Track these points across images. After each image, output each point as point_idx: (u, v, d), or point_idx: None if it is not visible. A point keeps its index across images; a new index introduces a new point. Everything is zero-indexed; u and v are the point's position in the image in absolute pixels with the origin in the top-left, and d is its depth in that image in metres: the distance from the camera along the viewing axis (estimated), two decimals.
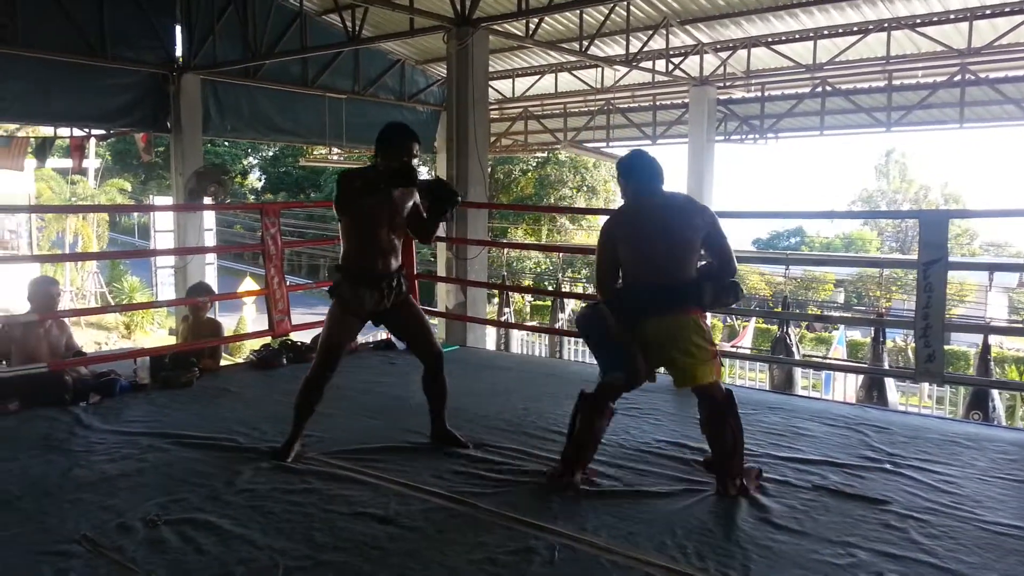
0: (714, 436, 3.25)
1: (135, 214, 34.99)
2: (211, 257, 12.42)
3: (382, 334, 8.19)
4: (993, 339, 10.51)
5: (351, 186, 3.44)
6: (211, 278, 10.71)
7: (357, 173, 3.52)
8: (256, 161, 36.31)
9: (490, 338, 9.82)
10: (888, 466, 3.64)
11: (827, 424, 4.31)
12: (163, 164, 23.44)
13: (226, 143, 28.64)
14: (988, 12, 8.95)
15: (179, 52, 10.58)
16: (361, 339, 6.93)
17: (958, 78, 10.51)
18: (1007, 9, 8.81)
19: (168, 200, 14.92)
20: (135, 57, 10.08)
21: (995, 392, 7.98)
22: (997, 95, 10.52)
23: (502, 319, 12.12)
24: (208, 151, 19.17)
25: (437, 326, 12.44)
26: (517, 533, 2.87)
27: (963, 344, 17.11)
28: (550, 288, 17.90)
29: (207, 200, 10.50)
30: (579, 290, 24.76)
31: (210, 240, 12.68)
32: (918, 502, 3.19)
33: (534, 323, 17.16)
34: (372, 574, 2.56)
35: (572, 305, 15.37)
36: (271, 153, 35.10)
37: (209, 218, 12.62)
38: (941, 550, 2.75)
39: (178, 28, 10.50)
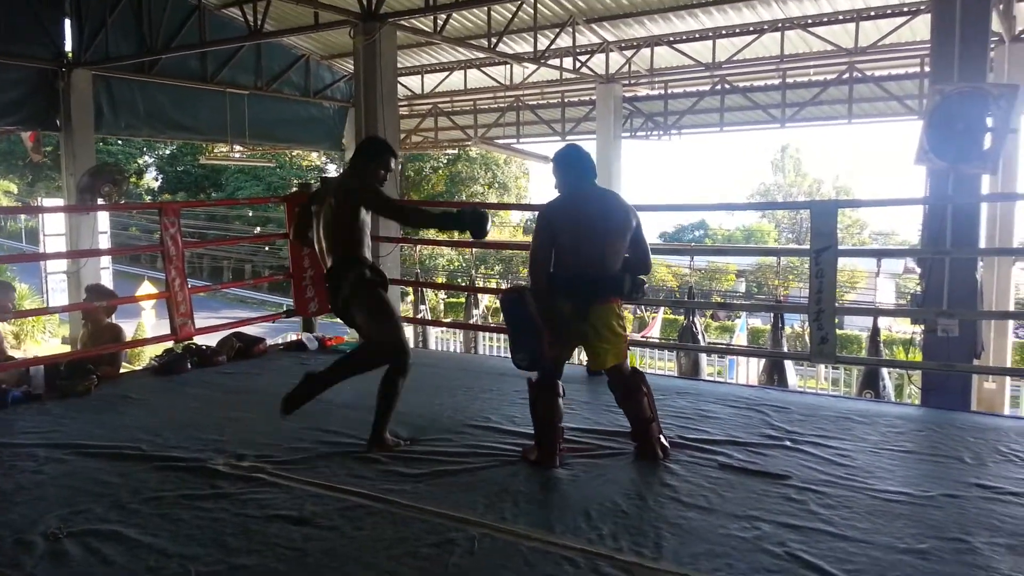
0: (632, 408, 3.57)
1: (22, 217, 33.06)
2: (106, 261, 11.85)
3: (292, 335, 8.03)
4: (882, 322, 11.15)
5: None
6: (107, 283, 10.23)
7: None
8: (152, 160, 34.90)
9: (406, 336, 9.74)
10: (787, 443, 3.83)
11: (731, 406, 4.50)
12: (52, 164, 22.23)
13: (119, 141, 27.40)
14: (872, 14, 9.48)
15: (69, 47, 10.06)
16: (270, 341, 6.79)
17: (846, 76, 11.09)
18: (889, 11, 9.35)
19: (59, 202, 14.18)
20: (22, 52, 9.53)
21: (885, 372, 8.47)
22: (882, 92, 11.15)
23: (417, 317, 12.05)
24: (100, 150, 18.27)
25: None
26: (436, 526, 2.88)
27: (855, 328, 18.09)
28: (463, 284, 17.91)
29: (101, 201, 10.02)
30: (492, 286, 24.91)
31: (104, 243, 12.10)
32: (816, 475, 3.37)
33: (449, 320, 17.13)
34: (288, 575, 2.53)
35: (486, 301, 15.44)
36: (168, 151, 33.79)
37: (103, 220, 12.04)
38: (838, 519, 2.92)
39: (67, 22, 9.98)
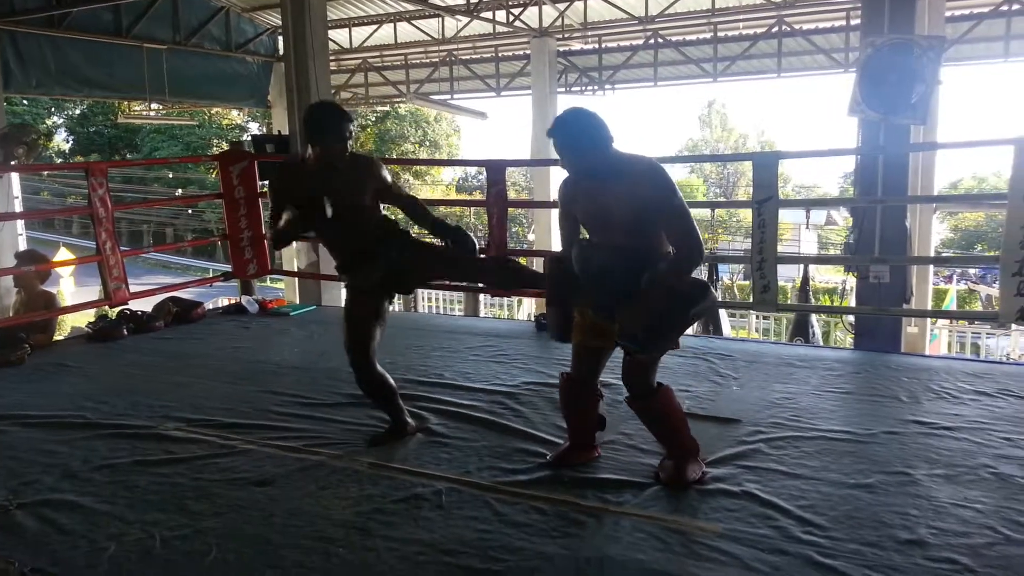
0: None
1: None
2: (21, 226, 11.26)
3: (232, 299, 7.84)
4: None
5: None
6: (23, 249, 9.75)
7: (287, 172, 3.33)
8: (62, 120, 33.13)
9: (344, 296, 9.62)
10: (735, 388, 3.97)
11: (677, 356, 4.59)
12: None
13: (25, 101, 25.86)
14: None
15: None
16: (209, 305, 6.61)
17: (775, 30, 11.25)
18: None
19: None
20: None
21: (814, 319, 8.82)
22: (810, 45, 11.36)
23: None
24: (5, 111, 17.23)
25: (284, 287, 12.04)
26: (401, 482, 2.89)
27: (781, 279, 18.73)
28: None
29: (13, 164, 9.47)
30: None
31: (18, 208, 11.48)
32: (763, 418, 3.50)
33: None
34: (258, 536, 2.50)
35: None
36: (79, 111, 32.13)
37: (16, 184, 11.41)
38: (788, 458, 3.05)
39: None
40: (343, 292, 8.44)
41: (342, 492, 2.83)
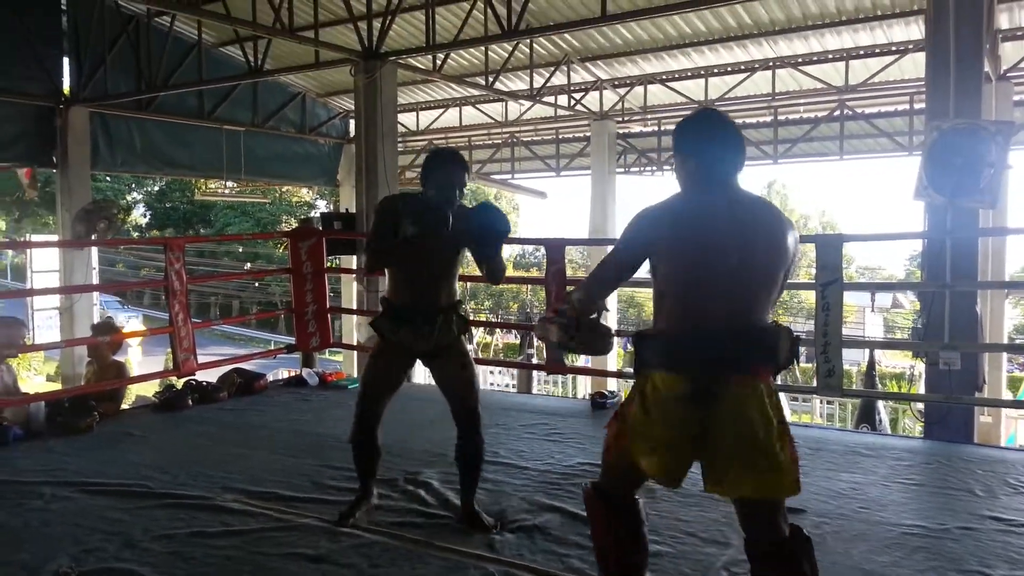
0: None
1: (8, 254, 32.93)
2: (95, 296, 11.80)
3: (284, 372, 7.98)
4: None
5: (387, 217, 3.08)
6: (97, 319, 10.18)
7: (398, 199, 3.20)
8: (141, 196, 34.92)
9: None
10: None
11: None
12: (40, 201, 22.19)
13: (108, 177, 27.39)
14: (862, 53, 9.67)
15: (67, 83, 10.10)
16: (270, 376, 6.75)
17: (837, 113, 11.27)
18: (878, 51, 9.54)
19: (50, 239, 14.11)
20: (20, 89, 9.55)
21: (881, 405, 8.51)
22: (872, 129, 11.33)
23: None
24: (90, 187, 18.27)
25: (342, 360, 12.23)
26: (453, 563, 2.86)
27: (846, 363, 18.19)
28: None
29: (95, 238, 9.99)
30: (482, 319, 24.89)
31: (95, 280, 12.05)
32: (830, 508, 3.37)
33: None
34: None
35: (478, 336, 15.37)
36: (157, 188, 33.83)
37: (95, 257, 12.00)
38: (856, 552, 2.91)
39: (66, 60, 10.03)
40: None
41: (394, 571, 2.80)
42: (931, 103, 5.40)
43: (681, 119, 2.26)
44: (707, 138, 2.15)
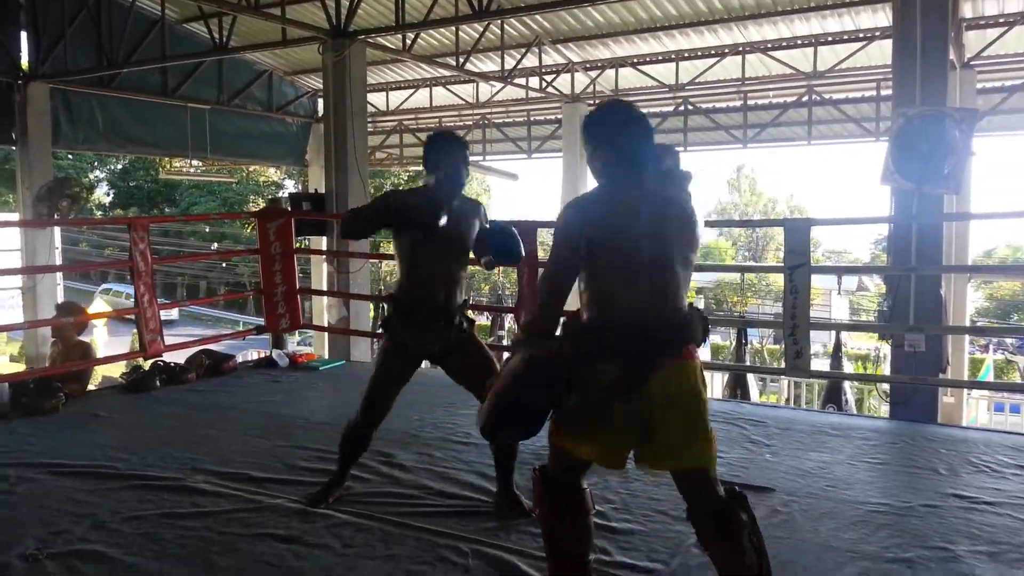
0: (729, 557, 2.12)
1: None
2: (59, 276, 11.55)
3: (262, 352, 7.91)
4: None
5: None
6: (60, 299, 9.98)
7: (406, 194, 3.12)
8: (104, 175, 34.20)
9: (372, 352, 9.66)
10: (768, 456, 3.89)
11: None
12: None
13: (70, 156, 26.78)
14: (830, 39, 9.75)
15: (25, 59, 9.81)
16: (240, 358, 6.68)
17: (805, 99, 11.38)
18: (846, 37, 9.63)
19: (12, 217, 13.77)
20: None
21: (847, 386, 8.67)
22: (840, 114, 11.46)
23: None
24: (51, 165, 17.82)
25: (313, 340, 12.14)
26: (427, 543, 2.86)
27: (813, 345, 18.52)
28: None
29: (58, 217, 9.76)
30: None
31: (58, 259, 11.79)
32: (798, 487, 3.43)
33: None
34: None
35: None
36: (120, 166, 33.16)
37: (57, 236, 11.74)
38: (824, 529, 2.97)
39: (24, 34, 9.74)
40: (372, 346, 8.55)
41: (368, 552, 2.80)
42: (898, 90, 5.48)
43: (591, 111, 2.29)
44: (621, 130, 2.20)
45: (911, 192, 5.13)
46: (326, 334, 8.56)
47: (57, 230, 10.99)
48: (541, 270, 2.18)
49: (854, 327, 18.95)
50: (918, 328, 4.96)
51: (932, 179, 5.03)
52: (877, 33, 9.34)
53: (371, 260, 8.84)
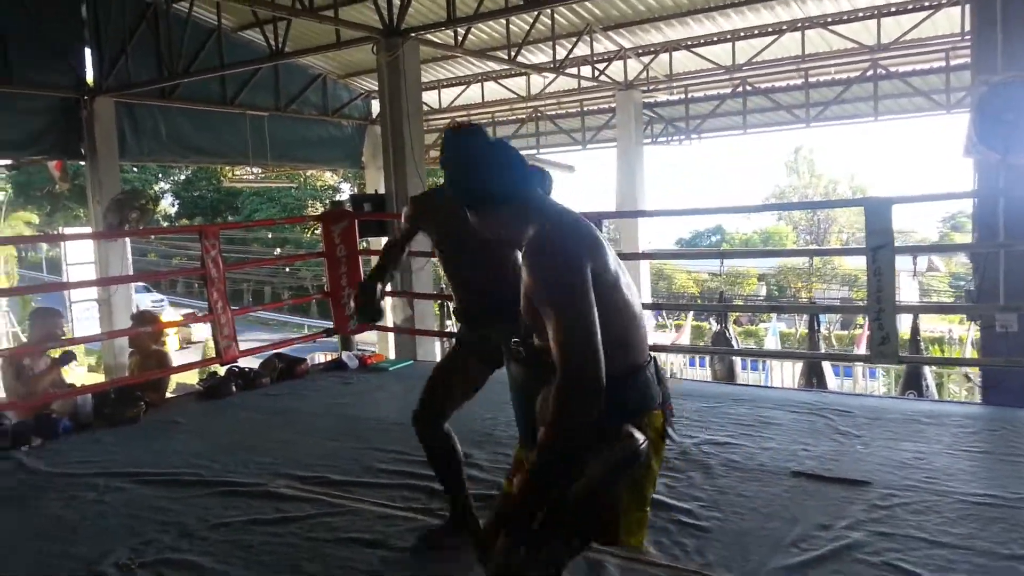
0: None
1: (43, 247, 33.41)
2: (132, 287, 11.92)
3: (331, 354, 7.98)
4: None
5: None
6: (135, 309, 10.27)
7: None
8: (168, 186, 35.15)
9: (439, 351, 9.69)
10: (859, 447, 3.73)
11: (791, 411, 4.38)
12: (71, 195, 22.39)
13: (135, 168, 27.57)
14: (894, 9, 9.38)
15: (90, 75, 10.10)
16: (310, 360, 6.74)
17: (870, 73, 10.98)
18: (910, 7, 9.25)
19: (84, 231, 14.23)
20: (44, 82, 9.57)
21: (927, 371, 8.33)
22: (907, 88, 11.03)
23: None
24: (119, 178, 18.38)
25: (377, 342, 12.26)
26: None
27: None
28: None
29: (128, 228, 10.04)
30: None
31: (131, 270, 12.14)
32: (896, 480, 3.26)
33: None
34: None
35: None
36: (183, 177, 34.04)
37: (128, 248, 12.10)
38: (929, 525, 2.81)
39: (88, 50, 10.03)
40: (437, 346, 8.55)
41: (453, 555, 2.75)
42: (977, 57, 5.21)
43: (469, 162, 1.89)
44: (518, 166, 1.88)
45: (996, 164, 4.86)
46: (391, 335, 8.60)
47: (128, 242, 11.31)
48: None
49: (941, 308, 18.21)
50: (1009, 308, 4.70)
51: (1019, 149, 4.75)
52: (943, 1, 8.94)
53: (433, 259, 8.82)
